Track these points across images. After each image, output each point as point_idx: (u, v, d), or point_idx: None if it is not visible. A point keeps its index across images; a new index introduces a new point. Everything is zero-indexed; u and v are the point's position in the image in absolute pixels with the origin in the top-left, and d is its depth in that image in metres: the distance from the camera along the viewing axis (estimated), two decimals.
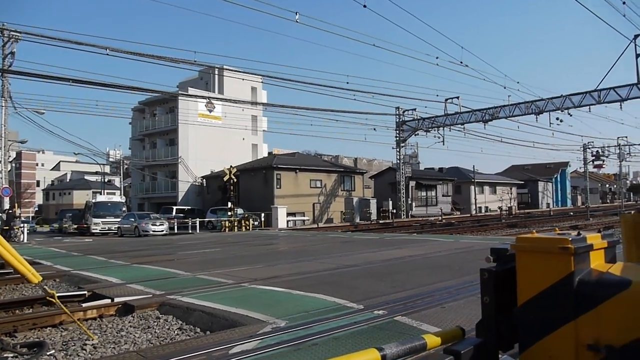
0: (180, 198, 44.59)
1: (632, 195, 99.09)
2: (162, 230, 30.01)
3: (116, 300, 7.84)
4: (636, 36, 27.12)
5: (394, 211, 42.37)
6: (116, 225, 32.35)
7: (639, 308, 1.72)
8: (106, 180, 63.55)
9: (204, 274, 10.58)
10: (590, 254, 1.95)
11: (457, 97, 38.18)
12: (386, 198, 43.69)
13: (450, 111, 38.73)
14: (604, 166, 67.19)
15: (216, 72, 48.89)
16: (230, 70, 41.82)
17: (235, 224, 32.12)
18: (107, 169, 70.05)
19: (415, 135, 43.23)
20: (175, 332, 6.41)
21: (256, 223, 34.06)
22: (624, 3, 23.19)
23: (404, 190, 43.38)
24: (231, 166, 34.29)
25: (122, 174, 56.71)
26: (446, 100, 38.70)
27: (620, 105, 31.25)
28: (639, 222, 2.71)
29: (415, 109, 42.14)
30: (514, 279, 2.04)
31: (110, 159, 69.66)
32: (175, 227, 32.83)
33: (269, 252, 16.45)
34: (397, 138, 43.30)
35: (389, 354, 1.78)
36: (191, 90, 46.21)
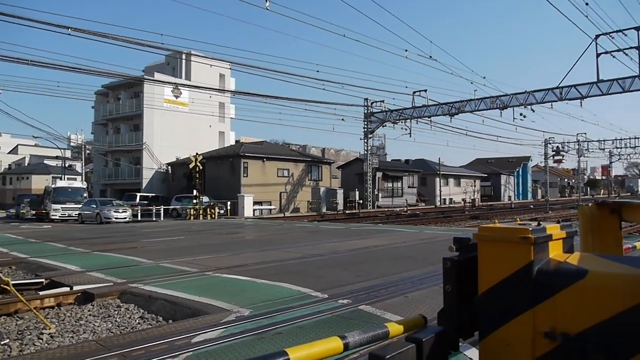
0: (144, 185, 43.74)
1: (589, 189, 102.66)
2: (125, 218, 29.43)
3: (75, 288, 7.65)
4: (597, 36, 27.90)
5: (361, 201, 42.70)
6: (77, 212, 31.51)
7: (594, 297, 1.77)
8: (67, 165, 61.65)
9: (167, 262, 10.42)
10: (549, 244, 1.99)
11: (425, 90, 38.63)
12: (353, 188, 43.97)
13: (418, 104, 39.17)
14: (563, 161, 69.47)
15: (183, 58, 47.92)
16: (198, 55, 41.08)
17: (201, 212, 31.77)
18: (68, 153, 68.04)
19: (383, 126, 43.54)
20: (137, 321, 6.30)
21: (222, 211, 33.79)
22: (586, 4, 23.84)
23: (370, 181, 43.73)
24: (197, 153, 33.81)
25: (83, 159, 55.24)
26: (414, 93, 39.12)
27: (581, 102, 32.19)
28: (596, 214, 2.79)
29: (383, 101, 42.44)
30: (476, 268, 2.07)
31: (72, 144, 67.69)
32: (139, 214, 32.20)
33: (235, 240, 16.34)
34: (365, 129, 43.53)
35: (351, 342, 1.78)
36: (157, 75, 45.21)
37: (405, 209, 41.51)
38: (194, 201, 32.17)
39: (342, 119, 42.10)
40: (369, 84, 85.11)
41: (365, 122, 43.51)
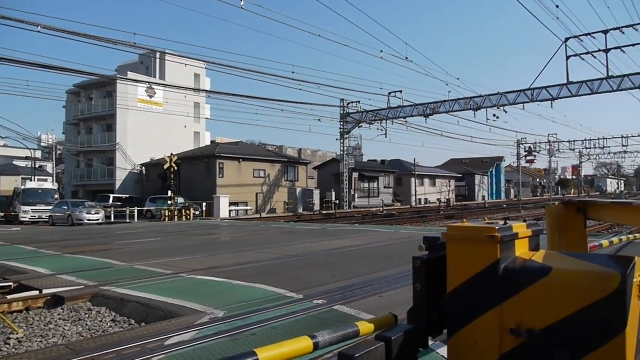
0: (117, 186, 43.00)
1: (560, 189, 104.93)
2: (98, 219, 28.88)
3: (45, 291, 7.47)
4: (567, 39, 28.58)
5: (337, 202, 42.80)
6: (47, 214, 30.76)
7: (558, 293, 1.81)
8: (37, 165, 60.14)
9: (140, 264, 10.26)
10: (516, 242, 2.03)
11: (400, 91, 38.98)
12: (329, 189, 44.06)
13: (393, 104, 39.49)
14: (535, 161, 70.84)
15: (157, 57, 47.29)
16: (172, 55, 40.56)
17: (176, 213, 31.39)
18: (39, 154, 66.34)
19: (359, 127, 43.76)
20: (108, 324, 6.19)
21: (197, 212, 33.46)
22: (557, 6, 24.40)
23: (347, 181, 43.87)
24: (172, 154, 33.40)
25: (54, 160, 53.90)
26: (389, 93, 39.43)
27: (551, 103, 32.93)
28: (562, 213, 2.86)
29: (359, 101, 42.64)
30: (445, 266, 2.10)
31: (42, 144, 66.08)
32: (112, 216, 31.64)
33: (210, 242, 16.19)
34: (341, 129, 43.66)
35: (321, 341, 1.78)
36: (131, 75, 44.49)
37: (381, 209, 41.77)
38: (169, 202, 31.76)
39: (319, 120, 42.23)
40: (345, 84, 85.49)
41: (342, 123, 43.63)
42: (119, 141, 43.35)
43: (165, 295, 6.86)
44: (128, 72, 45.38)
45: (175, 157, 33.16)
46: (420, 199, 59.27)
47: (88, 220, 28.27)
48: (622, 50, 28.06)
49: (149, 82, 41.96)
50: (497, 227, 1.94)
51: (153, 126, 44.81)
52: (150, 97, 44.44)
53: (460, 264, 2.01)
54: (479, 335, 1.96)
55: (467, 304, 1.98)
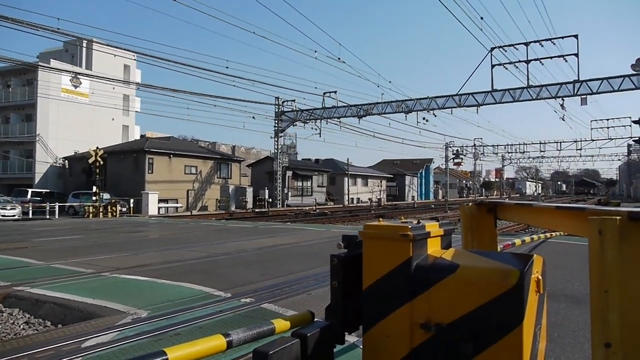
0: (37, 180, 40.50)
1: (484, 190, 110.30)
2: (14, 215, 27.15)
3: None
4: (492, 49, 30.14)
5: (270, 200, 42.66)
6: None
7: (463, 289, 1.92)
8: None
9: (60, 262, 9.75)
10: (428, 240, 2.13)
11: (335, 92, 39.46)
12: (263, 187, 43.83)
13: (328, 104, 39.91)
14: (462, 164, 74.14)
15: (84, 45, 45.02)
16: (100, 44, 38.73)
17: (101, 210, 30.05)
18: None
19: (293, 125, 43.83)
20: (21, 327, 5.86)
21: (124, 209, 32.21)
22: (481, 18, 25.65)
23: (280, 180, 43.84)
24: (98, 148, 31.90)
25: None
26: (324, 93, 39.82)
27: (477, 109, 34.53)
28: (475, 213, 3.03)
29: (294, 100, 42.70)
30: (362, 264, 2.16)
31: None
32: (30, 211, 29.80)
33: (136, 239, 15.65)
34: (276, 128, 43.56)
35: (235, 339, 1.79)
36: (54, 63, 41.98)
37: (314, 207, 42.10)
38: (94, 198, 30.34)
39: (253, 117, 41.80)
40: (280, 82, 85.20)
41: (276, 121, 43.54)
42: (40, 132, 40.85)
43: (85, 295, 6.58)
44: (51, 60, 42.78)
45: (102, 151, 31.70)
46: (353, 199, 60.27)
47: (3, 216, 26.53)
48: (541, 62, 29.99)
49: (74, 72, 39.84)
50: (410, 227, 2.03)
51: (78, 118, 42.60)
52: (76, 87, 42.17)
53: (375, 261, 2.08)
54: (392, 330, 2.04)
55: (381, 301, 2.06)
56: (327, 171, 56.50)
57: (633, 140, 50.39)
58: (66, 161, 41.90)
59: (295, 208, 42.95)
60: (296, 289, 7.02)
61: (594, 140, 55.86)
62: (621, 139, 54.82)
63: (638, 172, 73.53)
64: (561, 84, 30.81)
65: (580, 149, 60.88)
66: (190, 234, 16.92)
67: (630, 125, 50.01)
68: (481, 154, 74.39)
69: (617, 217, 1.54)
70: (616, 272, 1.52)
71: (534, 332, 1.99)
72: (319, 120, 41.63)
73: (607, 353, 1.52)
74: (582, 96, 31.09)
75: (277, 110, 43.38)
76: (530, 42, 29.41)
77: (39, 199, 33.99)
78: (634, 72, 28.08)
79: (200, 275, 8.14)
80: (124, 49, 35.11)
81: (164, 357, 1.55)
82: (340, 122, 41.39)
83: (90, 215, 29.67)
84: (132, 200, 33.11)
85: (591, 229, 1.57)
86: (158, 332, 4.88)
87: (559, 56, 28.80)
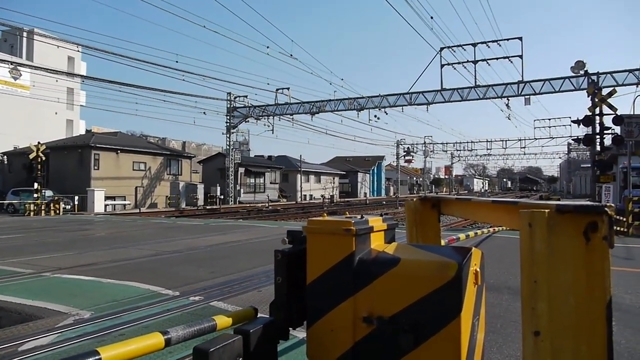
0: None
1: (434, 187, 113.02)
2: None
3: None
4: (442, 49, 30.89)
5: (222, 197, 42.13)
6: None
7: (404, 282, 1.96)
8: None
9: None
10: (371, 235, 2.16)
11: (288, 88, 39.31)
12: (214, 184, 43.21)
13: (281, 101, 39.78)
14: (413, 161, 75.80)
15: (25, 35, 42.91)
16: (42, 35, 37.05)
17: (43, 208, 28.77)
18: None
19: (246, 122, 43.42)
20: None
21: (68, 207, 30.98)
22: (431, 18, 26.23)
23: (232, 177, 43.35)
24: (40, 143, 30.50)
25: None
26: (277, 90, 39.60)
27: (427, 108, 35.33)
28: (419, 208, 3.09)
29: (247, 96, 42.29)
30: (306, 259, 2.17)
31: None
32: None
33: (81, 238, 15.08)
34: (228, 124, 43.00)
35: (174, 337, 1.75)
36: None
37: (267, 204, 41.89)
38: (35, 195, 29.00)
39: (204, 113, 41.23)
40: (231, 78, 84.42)
41: (228, 117, 42.98)
42: None
43: (24, 296, 6.29)
44: None
45: (44, 147, 30.33)
46: (305, 195, 60.37)
47: None
48: (488, 63, 30.99)
49: (13, 62, 37.90)
50: (353, 221, 2.06)
51: (18, 111, 40.64)
52: (15, 79, 40.22)
53: (319, 256, 2.09)
54: (336, 324, 2.06)
55: (324, 295, 2.07)
56: (280, 168, 56.34)
57: (572, 139, 52.93)
58: (5, 157, 39.89)
59: (248, 205, 42.60)
60: (246, 286, 6.97)
61: (537, 139, 58.50)
62: (562, 138, 57.73)
63: (577, 169, 77.34)
64: (506, 84, 31.96)
65: (524, 147, 63.55)
66: (139, 232, 16.48)
67: (570, 125, 52.65)
68: (431, 151, 76.31)
69: (546, 210, 1.62)
70: (544, 262, 1.59)
71: (472, 322, 2.06)
72: (271, 117, 41.41)
73: (536, 341, 1.59)
74: (526, 96, 32.38)
75: (228, 106, 42.82)
76: (477, 43, 30.32)
77: None
78: (574, 74, 29.46)
79: (147, 274, 7.95)
80: (68, 41, 33.75)
81: (96, 357, 1.50)
82: (293, 119, 41.37)
83: (31, 213, 28.36)
84: (76, 198, 31.89)
85: (522, 222, 1.64)
86: (101, 333, 4.73)
87: (504, 57, 29.85)
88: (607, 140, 19.19)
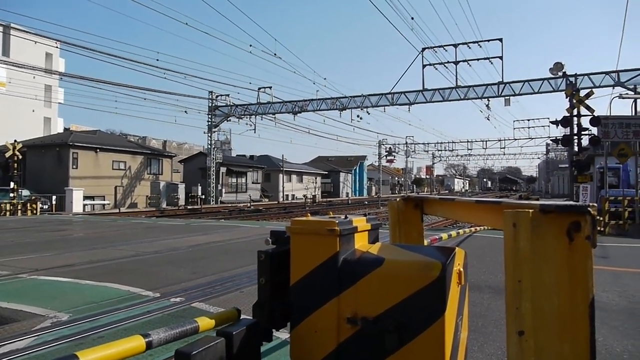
0: None
1: (415, 187, 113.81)
2: None
3: None
4: (423, 49, 31.11)
5: (203, 197, 41.82)
6: None
7: (389, 282, 1.96)
8: None
9: None
10: (355, 235, 2.15)
11: (270, 87, 39.22)
12: (196, 183, 42.89)
13: (263, 100, 39.62)
14: (394, 161, 76.25)
15: (0, 30, 42.01)
16: (19, 30, 36.31)
17: (19, 208, 28.21)
18: None
19: (227, 121, 43.16)
20: None
21: (46, 207, 30.45)
22: (412, 18, 26.42)
23: (214, 176, 43.06)
24: (16, 141, 29.90)
25: None
26: (259, 89, 39.45)
27: (409, 108, 35.55)
28: (402, 208, 3.09)
29: (229, 95, 42.05)
30: (290, 260, 2.15)
31: None
32: None
33: (59, 238, 14.81)
34: (209, 123, 42.69)
35: (155, 339, 1.72)
36: None
37: (249, 204, 41.71)
38: (11, 195, 28.43)
39: (185, 111, 40.84)
40: (214, 77, 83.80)
41: (210, 116, 42.68)
42: None
43: None
44: None
45: (20, 145, 29.76)
46: (288, 195, 60.27)
47: None
48: (468, 64, 31.29)
49: None
50: (337, 222, 2.04)
51: None
52: None
53: (303, 257, 2.08)
54: (319, 325, 2.04)
55: (308, 296, 2.06)
56: (262, 167, 56.15)
57: (551, 140, 53.84)
58: None
59: (229, 205, 42.36)
60: (228, 287, 6.91)
61: (516, 139, 59.37)
62: (540, 139, 58.66)
63: (555, 169, 78.64)
64: (487, 85, 32.33)
65: (504, 148, 64.42)
66: (118, 232, 16.25)
67: (548, 126, 53.46)
68: (412, 151, 76.79)
69: (530, 210, 1.62)
70: (529, 262, 1.60)
71: (455, 322, 2.06)
72: (253, 116, 41.24)
73: (520, 340, 1.60)
74: (506, 97, 32.78)
75: (210, 104, 42.51)
76: (458, 44, 30.61)
77: None
78: (552, 76, 29.92)
79: (127, 275, 7.83)
80: (46, 37, 33.08)
81: None
82: (275, 118, 41.24)
83: (7, 213, 27.79)
84: (54, 197, 31.38)
85: (506, 222, 1.64)
86: (80, 335, 4.64)
87: (485, 58, 30.19)
88: (585, 141, 19.55)
